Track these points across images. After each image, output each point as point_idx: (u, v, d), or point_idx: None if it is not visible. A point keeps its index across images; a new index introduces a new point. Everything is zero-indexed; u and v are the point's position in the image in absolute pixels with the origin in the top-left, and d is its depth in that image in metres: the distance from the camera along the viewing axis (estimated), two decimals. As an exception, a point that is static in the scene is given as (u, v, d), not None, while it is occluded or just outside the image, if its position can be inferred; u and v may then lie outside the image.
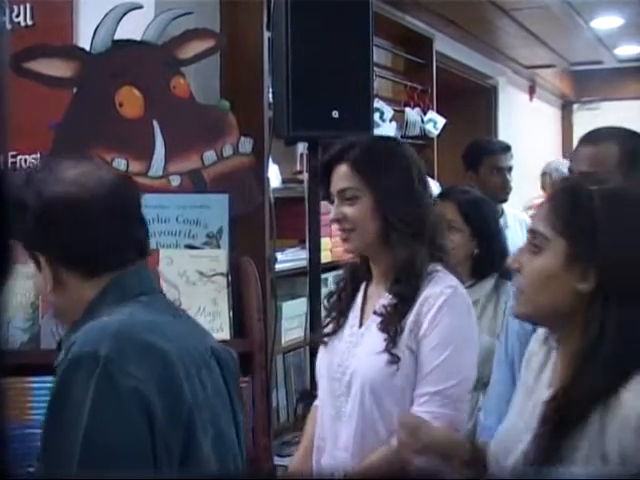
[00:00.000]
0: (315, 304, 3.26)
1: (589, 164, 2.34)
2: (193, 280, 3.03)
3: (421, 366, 2.29)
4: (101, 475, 1.39)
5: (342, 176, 2.40)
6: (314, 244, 3.30)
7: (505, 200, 4.62)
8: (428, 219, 2.39)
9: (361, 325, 2.44)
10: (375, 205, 2.36)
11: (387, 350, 2.29)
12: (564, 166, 6.74)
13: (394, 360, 2.28)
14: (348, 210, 2.39)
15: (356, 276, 2.54)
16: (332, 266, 4.03)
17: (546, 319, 1.71)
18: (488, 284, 3.25)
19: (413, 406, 2.28)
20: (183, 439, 1.57)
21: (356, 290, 2.52)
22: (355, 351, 2.39)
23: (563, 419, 1.55)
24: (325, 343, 2.51)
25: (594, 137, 2.46)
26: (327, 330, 2.52)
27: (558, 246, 1.62)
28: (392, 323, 2.32)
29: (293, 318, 3.74)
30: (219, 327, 2.98)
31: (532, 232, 1.72)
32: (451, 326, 2.29)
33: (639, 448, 1.47)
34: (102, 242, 1.68)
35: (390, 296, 2.37)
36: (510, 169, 4.63)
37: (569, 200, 1.65)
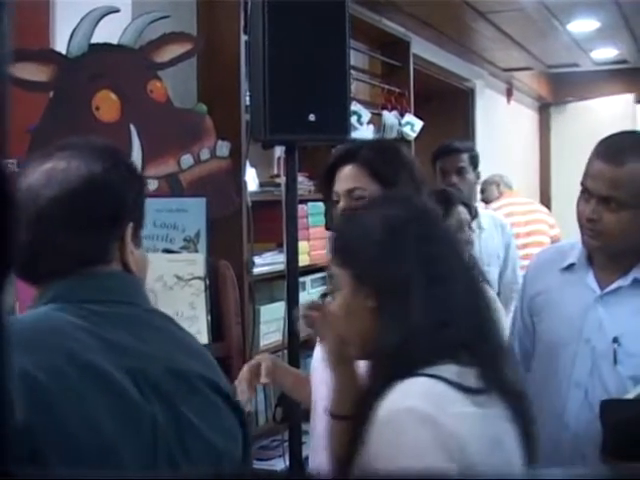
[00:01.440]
0: (293, 308, 3.25)
1: (609, 187, 2.25)
2: (170, 284, 3.02)
3: None
4: (102, 475, 1.33)
5: (351, 176, 2.40)
6: (292, 247, 3.30)
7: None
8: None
9: None
10: None
11: None
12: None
13: None
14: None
15: None
16: (310, 269, 4.04)
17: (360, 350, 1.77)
18: None
19: None
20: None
21: None
22: None
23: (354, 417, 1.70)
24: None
25: (617, 155, 2.26)
26: None
27: (345, 277, 1.74)
28: None
29: (271, 322, 3.73)
30: (197, 331, 2.98)
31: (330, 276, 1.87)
32: None
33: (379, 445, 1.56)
34: (29, 249, 1.46)
35: None
36: (460, 170, 4.52)
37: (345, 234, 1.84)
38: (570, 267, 2.51)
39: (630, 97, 9.18)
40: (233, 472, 1.42)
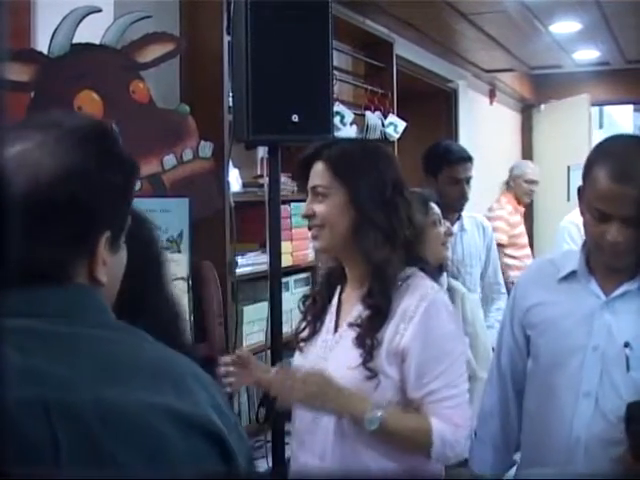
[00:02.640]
0: (276, 308, 3.25)
1: (633, 207, 2.21)
2: (153, 285, 3.01)
3: (419, 378, 2.28)
4: (102, 475, 1.23)
5: (317, 173, 2.43)
6: (275, 248, 3.30)
7: (461, 210, 4.60)
8: (402, 226, 2.38)
9: (336, 331, 2.43)
10: (346, 203, 2.37)
11: (364, 364, 2.28)
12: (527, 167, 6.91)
13: (372, 375, 2.27)
14: (318, 207, 2.41)
15: (332, 280, 2.55)
16: (293, 270, 4.04)
17: None
18: (444, 285, 3.40)
19: (425, 413, 2.29)
20: None
21: (332, 294, 2.53)
22: (329, 359, 2.38)
23: None
24: (300, 348, 2.51)
25: (631, 174, 2.22)
26: (303, 335, 2.52)
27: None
28: (368, 336, 2.30)
29: (254, 322, 3.73)
30: (180, 332, 2.97)
31: None
32: (439, 335, 2.30)
33: None
34: None
35: (362, 306, 2.37)
36: (469, 180, 4.56)
37: None
38: (570, 276, 2.46)
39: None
40: (217, 472, 1.33)
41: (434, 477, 2.41)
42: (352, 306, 2.42)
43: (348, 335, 2.36)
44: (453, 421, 2.27)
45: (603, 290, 2.39)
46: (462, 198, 4.53)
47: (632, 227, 2.22)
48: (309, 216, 2.44)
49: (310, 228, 2.46)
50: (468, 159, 4.59)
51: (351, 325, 2.36)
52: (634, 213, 2.20)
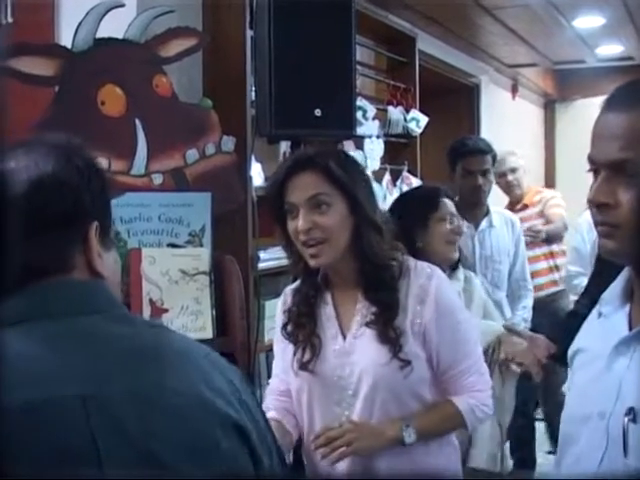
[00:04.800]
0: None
1: (620, 146, 1.47)
2: (176, 279, 3.02)
3: (446, 358, 2.37)
4: (102, 476, 1.25)
5: (310, 183, 2.31)
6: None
7: (478, 203, 4.54)
8: (384, 221, 2.42)
9: (344, 336, 2.40)
10: (347, 212, 2.33)
11: (396, 356, 2.30)
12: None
13: (405, 364, 2.31)
14: (320, 219, 2.30)
15: (307, 294, 2.48)
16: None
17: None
18: (461, 275, 3.40)
19: (451, 389, 2.41)
20: None
21: (314, 308, 2.46)
22: (350, 362, 2.36)
23: None
24: (310, 370, 2.41)
25: (628, 99, 1.52)
26: (306, 358, 2.42)
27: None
28: (388, 329, 2.32)
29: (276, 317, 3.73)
30: (202, 326, 2.98)
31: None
32: (450, 308, 2.39)
33: None
34: None
35: (367, 302, 2.37)
36: (485, 172, 4.50)
37: None
38: (605, 304, 1.68)
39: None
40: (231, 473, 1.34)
41: (453, 477, 2.43)
42: (353, 307, 2.40)
43: (364, 335, 2.35)
44: (476, 388, 2.40)
45: (631, 322, 1.59)
46: (476, 191, 4.48)
47: (630, 184, 1.47)
48: (309, 230, 2.30)
49: (308, 244, 2.32)
50: (483, 151, 4.52)
51: (367, 325, 2.35)
52: (629, 155, 1.46)
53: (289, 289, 2.57)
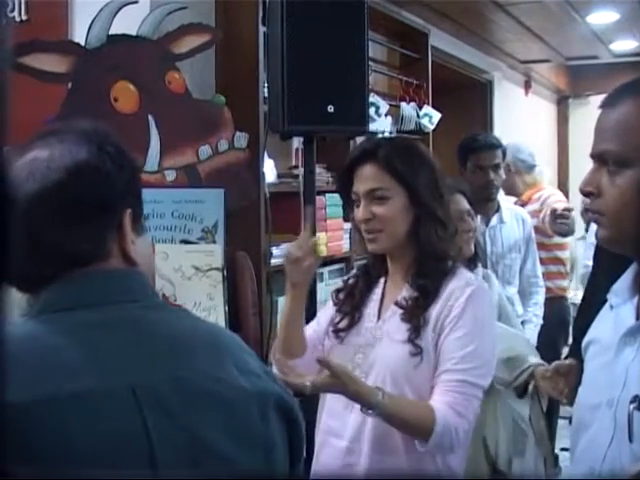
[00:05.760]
0: (310, 299, 3.25)
1: (601, 138, 1.62)
2: (189, 275, 3.03)
3: (446, 353, 2.31)
4: (102, 476, 1.25)
5: (370, 176, 2.40)
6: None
7: (489, 199, 4.51)
8: (449, 217, 2.44)
9: (379, 319, 2.44)
10: (407, 204, 2.38)
11: (410, 340, 2.31)
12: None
13: (417, 351, 2.30)
14: (378, 210, 2.39)
15: (369, 273, 2.55)
16: (328, 261, 4.03)
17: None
18: (479, 273, 3.36)
19: (436, 391, 2.29)
20: None
21: (369, 286, 2.53)
22: (374, 341, 2.40)
23: None
24: (341, 338, 2.50)
25: (613, 96, 1.64)
26: (342, 325, 2.51)
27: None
28: (415, 314, 2.34)
29: (289, 313, 3.73)
30: (214, 322, 2.99)
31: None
32: (477, 318, 2.33)
33: None
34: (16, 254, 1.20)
35: (411, 289, 2.40)
36: (496, 167, 4.47)
37: None
38: (615, 296, 1.73)
39: None
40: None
41: (453, 477, 2.41)
42: (398, 291, 2.44)
43: (394, 315, 2.39)
44: (457, 409, 2.25)
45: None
46: (488, 186, 4.47)
47: (612, 174, 1.58)
48: (368, 220, 2.41)
49: (367, 231, 2.43)
50: (493, 146, 4.51)
51: (397, 304, 2.38)
52: (609, 147, 1.58)
53: (359, 264, 2.67)
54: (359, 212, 2.43)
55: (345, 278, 2.65)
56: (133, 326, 1.33)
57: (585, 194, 1.62)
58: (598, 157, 1.61)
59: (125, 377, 1.26)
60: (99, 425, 1.20)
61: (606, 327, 1.73)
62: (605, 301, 1.76)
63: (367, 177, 2.41)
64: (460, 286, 2.35)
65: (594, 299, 1.88)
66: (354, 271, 2.67)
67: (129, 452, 1.22)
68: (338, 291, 2.61)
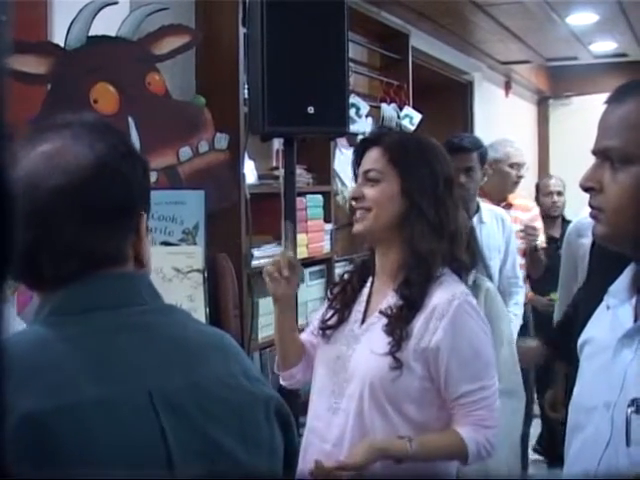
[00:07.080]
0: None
1: (605, 135, 1.61)
2: (169, 277, 3.02)
3: (454, 385, 2.30)
4: (102, 476, 1.23)
5: (372, 158, 2.45)
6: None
7: (460, 200, 4.45)
8: (448, 223, 2.41)
9: (363, 321, 2.44)
10: (398, 192, 2.39)
11: (391, 353, 2.29)
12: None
13: (397, 365, 2.28)
14: (369, 191, 2.42)
15: (364, 270, 2.55)
16: (308, 262, 4.04)
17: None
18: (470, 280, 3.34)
19: (459, 413, 2.31)
20: None
21: (362, 284, 2.53)
22: (355, 347, 2.39)
23: None
24: (327, 337, 2.50)
25: (620, 94, 1.64)
26: (330, 322, 2.51)
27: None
28: (398, 326, 2.31)
29: (270, 314, 3.70)
30: (195, 324, 2.98)
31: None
32: (469, 335, 2.32)
33: None
34: (30, 251, 1.23)
35: (396, 296, 2.37)
36: (468, 169, 4.35)
37: None
38: (612, 296, 1.72)
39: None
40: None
41: (446, 477, 2.42)
42: (383, 297, 2.42)
43: (377, 323, 2.38)
44: (485, 424, 2.30)
45: (637, 313, 1.64)
46: (459, 189, 4.42)
47: (615, 170, 1.58)
48: (357, 198, 2.45)
49: (355, 210, 2.46)
50: (466, 149, 4.37)
51: (382, 313, 2.37)
52: (613, 144, 1.58)
53: (360, 259, 2.66)
54: (352, 190, 2.51)
55: (344, 273, 2.66)
56: (145, 330, 1.31)
57: (586, 189, 1.62)
58: (601, 153, 1.60)
59: (141, 382, 1.24)
60: (118, 430, 1.19)
61: (602, 327, 1.72)
62: (600, 301, 1.76)
63: (367, 159, 2.46)
64: (443, 302, 2.31)
65: (589, 299, 1.88)
66: (351, 267, 2.68)
67: (147, 457, 1.21)
68: (334, 285, 2.64)
